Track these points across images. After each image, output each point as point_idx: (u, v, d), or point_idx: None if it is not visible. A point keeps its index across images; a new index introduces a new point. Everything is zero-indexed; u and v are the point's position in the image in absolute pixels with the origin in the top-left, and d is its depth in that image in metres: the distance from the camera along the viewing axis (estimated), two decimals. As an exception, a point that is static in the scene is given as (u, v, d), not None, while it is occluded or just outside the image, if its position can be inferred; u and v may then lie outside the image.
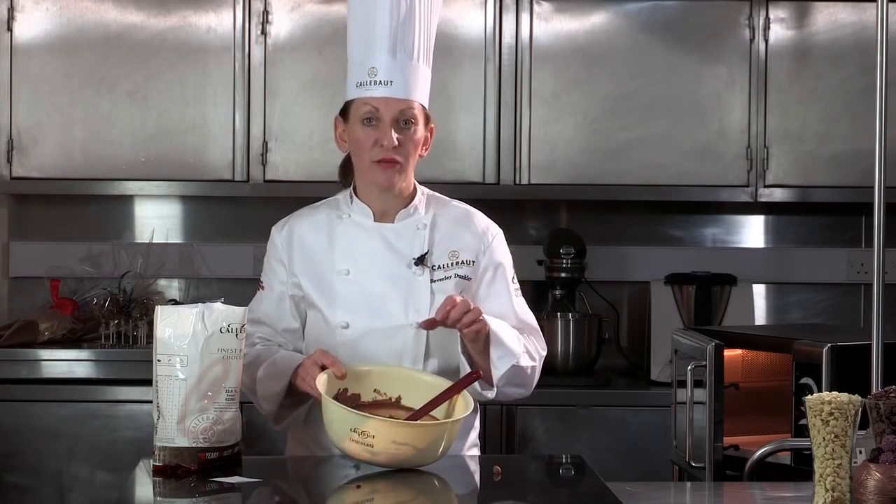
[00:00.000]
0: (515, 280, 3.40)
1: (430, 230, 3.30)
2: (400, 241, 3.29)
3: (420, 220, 3.31)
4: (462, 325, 3.11)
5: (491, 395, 3.23)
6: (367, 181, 3.28)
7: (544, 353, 3.36)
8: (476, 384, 3.17)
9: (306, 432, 3.29)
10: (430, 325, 3.14)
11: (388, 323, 3.25)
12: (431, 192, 3.39)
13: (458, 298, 3.12)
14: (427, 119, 3.29)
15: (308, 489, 3.04)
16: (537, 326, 3.39)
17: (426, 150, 3.31)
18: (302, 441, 3.32)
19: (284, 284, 3.33)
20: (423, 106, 3.27)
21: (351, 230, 3.30)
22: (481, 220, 3.39)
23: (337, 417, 2.93)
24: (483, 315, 3.15)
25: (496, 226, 3.41)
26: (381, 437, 2.87)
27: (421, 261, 3.27)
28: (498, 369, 3.20)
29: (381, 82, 3.21)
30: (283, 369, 3.20)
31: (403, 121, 3.22)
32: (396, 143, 3.20)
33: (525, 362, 3.26)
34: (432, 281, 3.27)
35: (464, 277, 3.30)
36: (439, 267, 3.29)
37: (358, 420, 2.90)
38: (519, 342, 3.26)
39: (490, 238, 3.36)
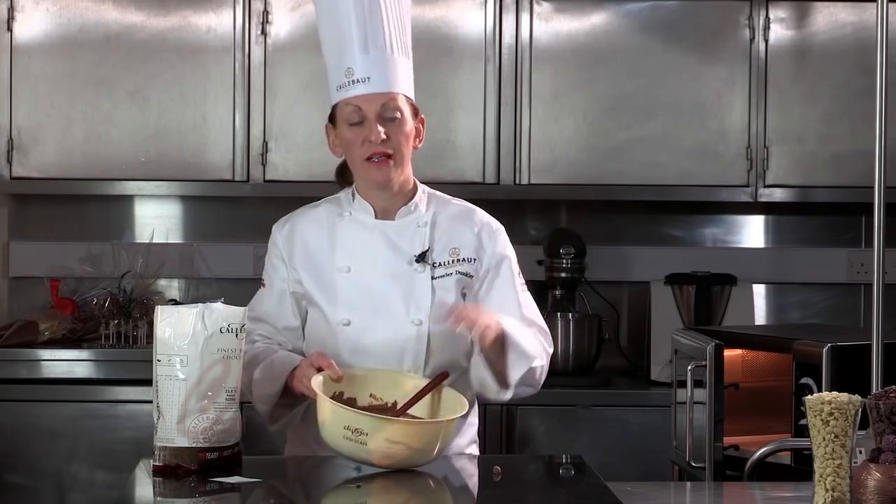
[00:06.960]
0: (521, 275, 3.36)
1: (430, 228, 3.29)
2: (401, 238, 3.28)
3: (421, 217, 3.30)
4: (474, 323, 3.08)
5: (507, 396, 3.21)
6: (364, 180, 3.27)
7: (551, 351, 3.33)
8: (492, 386, 3.17)
9: (308, 430, 3.28)
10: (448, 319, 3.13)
11: (389, 320, 3.24)
12: (433, 190, 3.38)
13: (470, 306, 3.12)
14: (415, 111, 3.26)
15: (307, 489, 3.04)
16: (544, 323, 3.35)
17: (420, 141, 3.29)
18: (303, 439, 3.31)
19: (285, 281, 3.33)
20: (407, 97, 3.24)
21: (352, 228, 3.30)
22: (482, 216, 3.37)
23: (330, 415, 2.92)
24: (498, 318, 3.13)
25: (497, 222, 3.38)
26: (374, 435, 2.86)
27: (422, 258, 3.26)
28: (515, 370, 3.17)
29: (358, 80, 3.18)
30: (278, 371, 3.19)
31: (389, 115, 3.20)
32: (384, 136, 3.18)
33: (537, 363, 3.23)
34: (433, 278, 3.26)
35: (465, 274, 3.28)
36: (440, 264, 3.27)
37: (350, 417, 2.89)
38: (533, 343, 3.23)
39: (491, 234, 3.34)
